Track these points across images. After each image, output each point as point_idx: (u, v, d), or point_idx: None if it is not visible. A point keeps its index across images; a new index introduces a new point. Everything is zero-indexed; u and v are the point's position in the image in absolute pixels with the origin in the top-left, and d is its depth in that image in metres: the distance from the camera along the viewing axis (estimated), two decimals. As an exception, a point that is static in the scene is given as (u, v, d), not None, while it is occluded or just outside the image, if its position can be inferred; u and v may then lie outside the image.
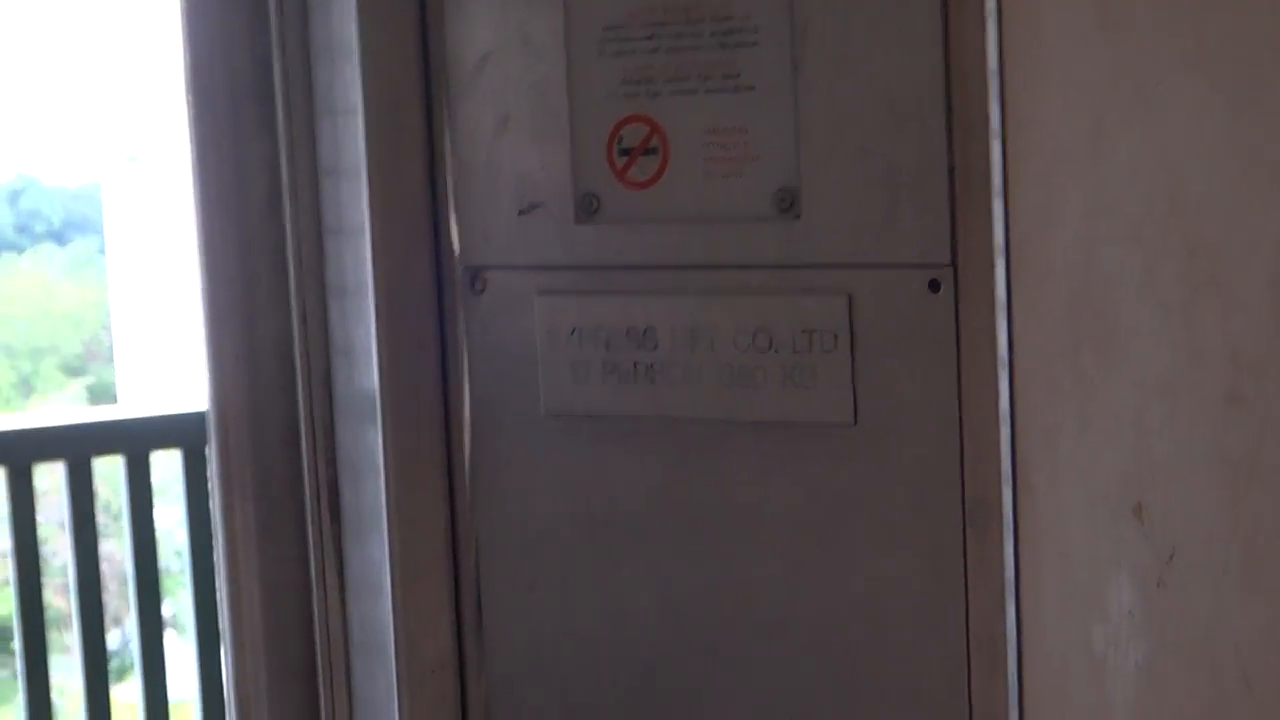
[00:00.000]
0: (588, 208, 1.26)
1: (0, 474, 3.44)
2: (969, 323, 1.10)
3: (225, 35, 1.33)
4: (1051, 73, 1.03)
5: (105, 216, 16.52)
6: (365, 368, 1.30)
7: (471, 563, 1.31)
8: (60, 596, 3.74)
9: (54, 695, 3.60)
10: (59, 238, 17.28)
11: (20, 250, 17.09)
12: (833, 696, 1.19)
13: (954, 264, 1.11)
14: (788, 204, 1.18)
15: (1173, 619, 0.90)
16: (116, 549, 3.75)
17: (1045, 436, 1.03)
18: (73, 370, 15.54)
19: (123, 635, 4.11)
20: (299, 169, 1.34)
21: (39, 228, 17.39)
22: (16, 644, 3.47)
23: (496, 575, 1.31)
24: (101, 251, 16.58)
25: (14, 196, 17.49)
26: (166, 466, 3.78)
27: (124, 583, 3.72)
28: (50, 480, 3.64)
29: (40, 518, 3.57)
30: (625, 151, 1.24)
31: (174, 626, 4.02)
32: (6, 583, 3.60)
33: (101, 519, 3.65)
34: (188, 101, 1.31)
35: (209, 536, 2.79)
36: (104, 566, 3.74)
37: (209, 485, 1.31)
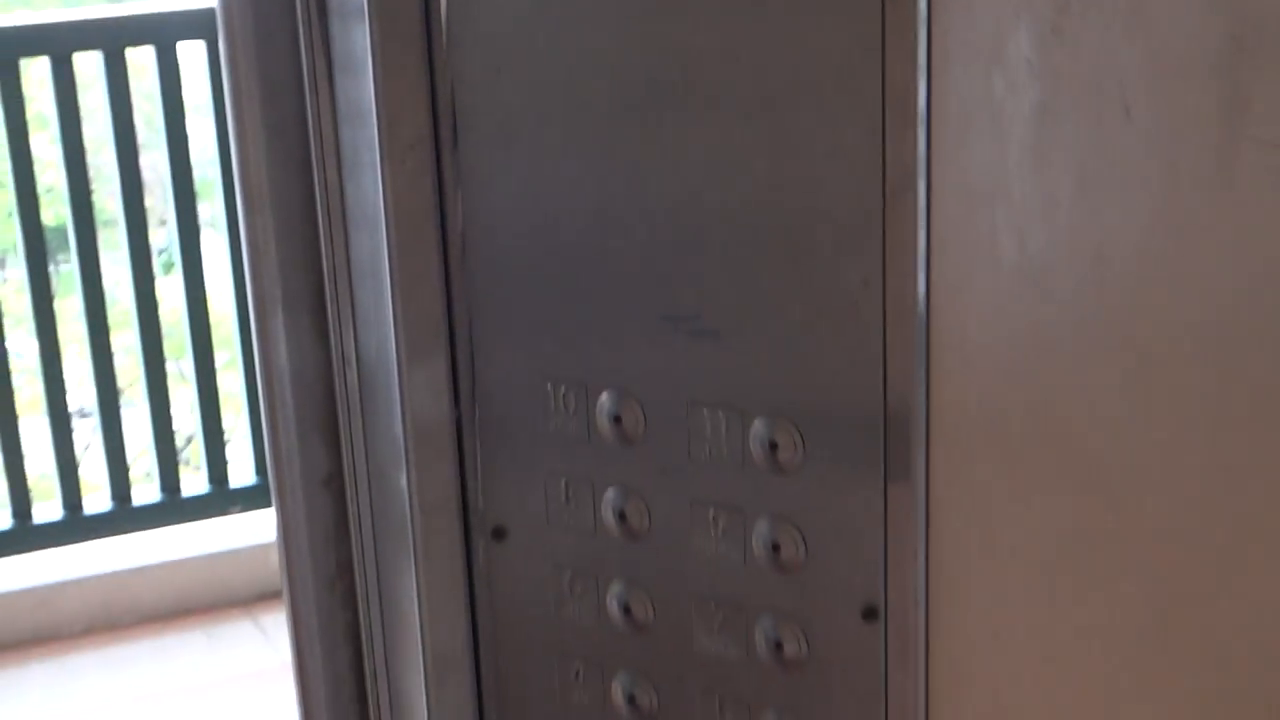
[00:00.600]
0: None
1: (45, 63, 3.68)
2: None
3: None
4: None
5: None
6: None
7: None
8: (110, 201, 4.04)
9: (108, 287, 3.93)
10: None
11: None
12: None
13: None
14: None
15: (1066, 63, 0.87)
16: (158, 161, 4.02)
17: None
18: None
19: (167, 235, 4.41)
20: None
21: None
22: (71, 244, 3.78)
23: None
24: None
25: None
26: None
27: (165, 187, 4.01)
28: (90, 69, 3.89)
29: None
30: None
31: (211, 226, 4.32)
32: (56, 189, 3.89)
33: (143, 134, 3.92)
34: None
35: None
36: (148, 175, 4.05)
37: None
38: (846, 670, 1.09)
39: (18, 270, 3.94)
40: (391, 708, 1.31)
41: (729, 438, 1.08)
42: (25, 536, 3.85)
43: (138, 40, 3.80)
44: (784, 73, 1.01)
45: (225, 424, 4.05)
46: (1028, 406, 0.94)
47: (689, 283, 1.08)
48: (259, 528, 3.91)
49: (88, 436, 4.32)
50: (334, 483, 1.28)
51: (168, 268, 4.23)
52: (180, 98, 3.84)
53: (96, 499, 3.89)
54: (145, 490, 3.94)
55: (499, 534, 1.20)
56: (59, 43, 3.74)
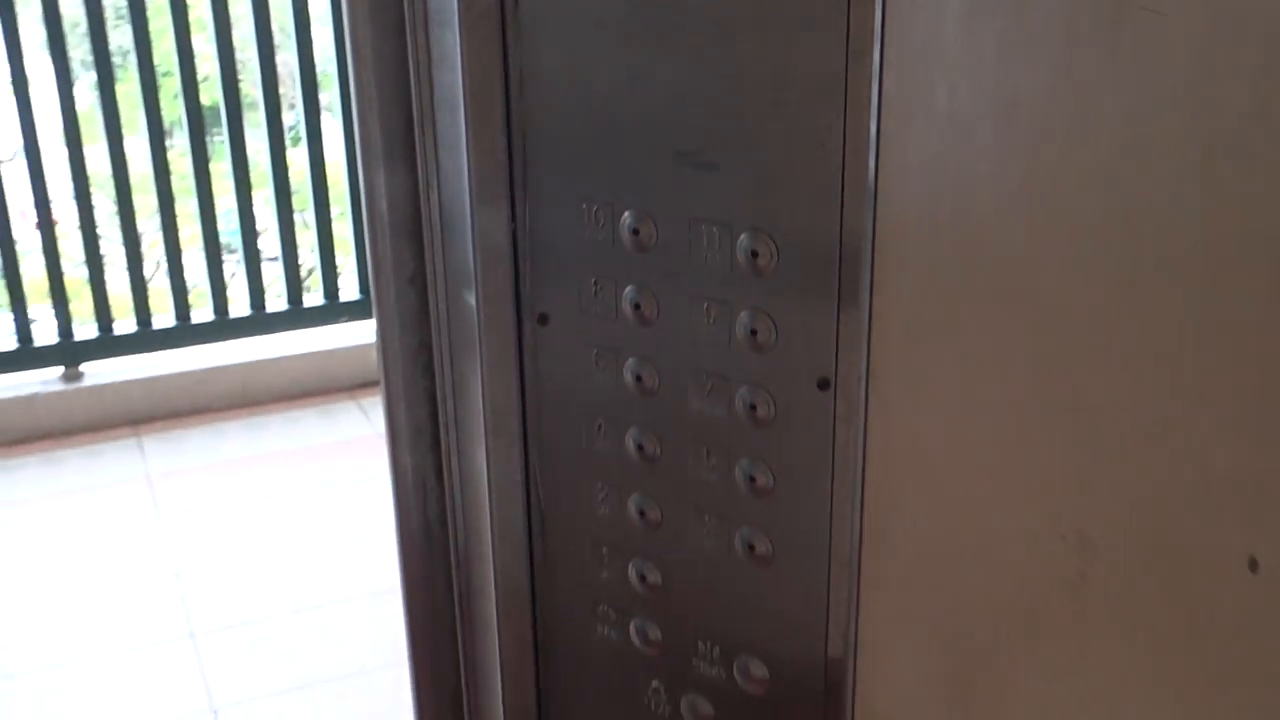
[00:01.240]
0: None
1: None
2: None
3: None
4: None
5: None
6: None
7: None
8: (253, 88, 4.02)
9: (250, 155, 3.95)
10: None
11: None
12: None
13: None
14: None
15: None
16: (290, 58, 4.00)
17: None
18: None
19: (295, 115, 4.41)
20: None
21: None
22: (223, 120, 3.79)
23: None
24: None
25: None
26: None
27: (294, 79, 4.00)
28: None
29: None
30: None
31: (329, 110, 4.30)
32: (211, 77, 3.88)
33: (278, 38, 3.90)
34: None
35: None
36: (281, 69, 4.02)
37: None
38: (804, 428, 1.07)
39: (181, 139, 3.92)
40: (459, 452, 1.30)
41: (720, 247, 1.05)
42: (185, 334, 3.88)
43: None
44: (773, -39, 0.97)
45: (337, 260, 4.06)
46: (954, 226, 0.91)
47: (694, 126, 1.04)
48: (361, 333, 3.94)
49: (233, 267, 4.32)
50: (418, 280, 1.25)
51: (295, 141, 4.22)
52: (306, 8, 3.81)
53: (238, 307, 3.92)
54: (276, 303, 3.97)
55: (543, 320, 1.18)
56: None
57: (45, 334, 3.78)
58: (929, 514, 1.00)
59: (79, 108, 3.66)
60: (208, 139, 3.85)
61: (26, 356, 3.79)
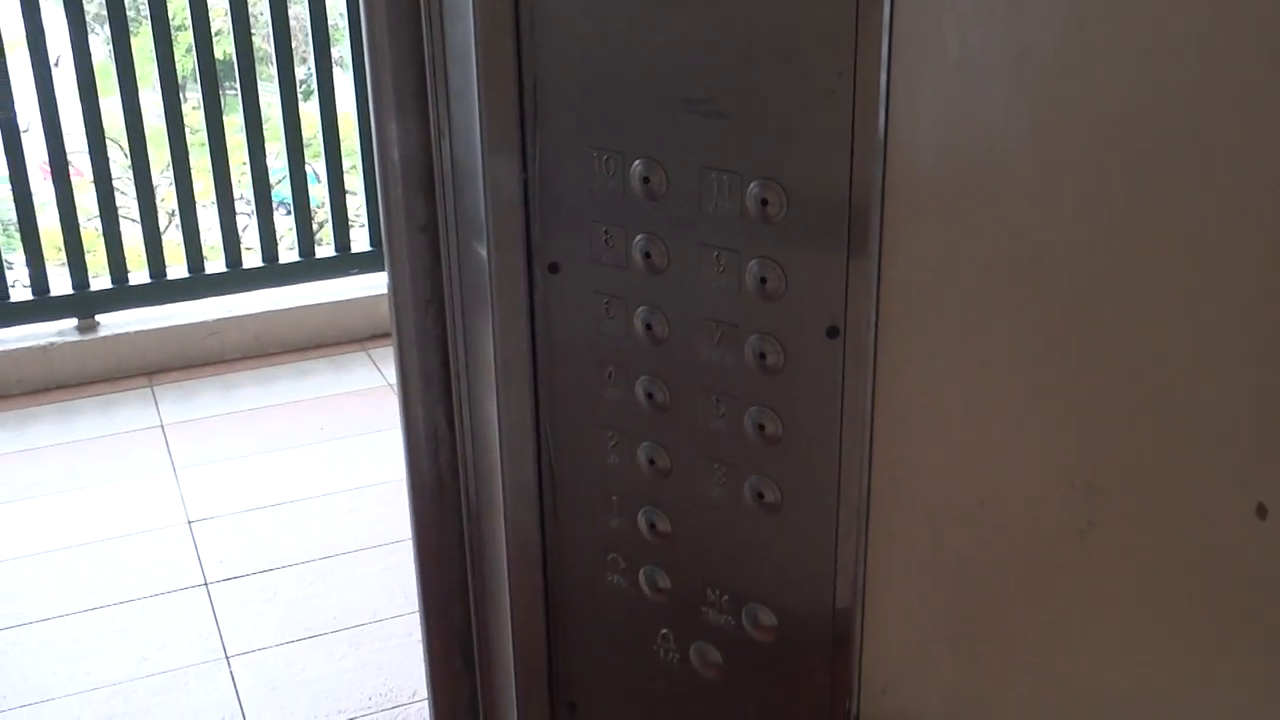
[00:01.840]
0: None
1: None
2: None
3: None
4: None
5: None
6: None
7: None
8: (265, 42, 4.00)
9: (263, 108, 3.93)
10: None
11: None
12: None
13: None
14: None
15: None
16: (301, 12, 3.97)
17: None
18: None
19: (307, 69, 4.38)
20: None
21: None
22: (236, 74, 3.75)
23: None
24: None
25: None
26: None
27: (306, 33, 3.98)
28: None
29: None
30: None
31: (340, 64, 4.27)
32: (225, 31, 3.86)
33: None
34: None
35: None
36: (293, 23, 3.99)
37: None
38: (813, 377, 1.06)
39: (195, 93, 3.90)
40: (470, 401, 1.30)
41: (730, 195, 1.04)
42: (199, 285, 3.88)
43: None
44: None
45: (349, 212, 4.05)
46: (963, 175, 0.91)
47: (705, 74, 1.03)
48: (372, 284, 3.94)
49: (245, 219, 4.31)
50: (430, 228, 1.25)
51: (307, 95, 4.20)
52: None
53: (251, 258, 3.92)
54: (288, 254, 3.96)
55: (554, 268, 1.17)
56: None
57: (60, 285, 3.79)
58: (937, 462, 0.99)
59: (94, 61, 3.64)
60: (221, 92, 3.83)
61: (42, 308, 3.79)
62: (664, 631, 1.21)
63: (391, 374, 3.62)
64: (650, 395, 1.16)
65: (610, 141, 1.09)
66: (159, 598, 3.01)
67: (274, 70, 3.80)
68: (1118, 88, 0.81)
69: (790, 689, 1.16)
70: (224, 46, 4.04)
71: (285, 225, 4.13)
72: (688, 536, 1.18)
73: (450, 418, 1.33)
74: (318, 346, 3.99)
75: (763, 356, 1.08)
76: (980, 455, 0.97)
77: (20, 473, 3.54)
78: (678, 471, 1.17)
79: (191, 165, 3.85)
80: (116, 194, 3.84)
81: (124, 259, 3.83)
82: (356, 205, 4.23)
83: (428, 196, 1.25)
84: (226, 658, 2.79)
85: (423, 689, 2.62)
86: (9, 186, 3.70)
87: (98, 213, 3.78)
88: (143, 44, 3.86)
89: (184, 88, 4.16)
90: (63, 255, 3.81)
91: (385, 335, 4.00)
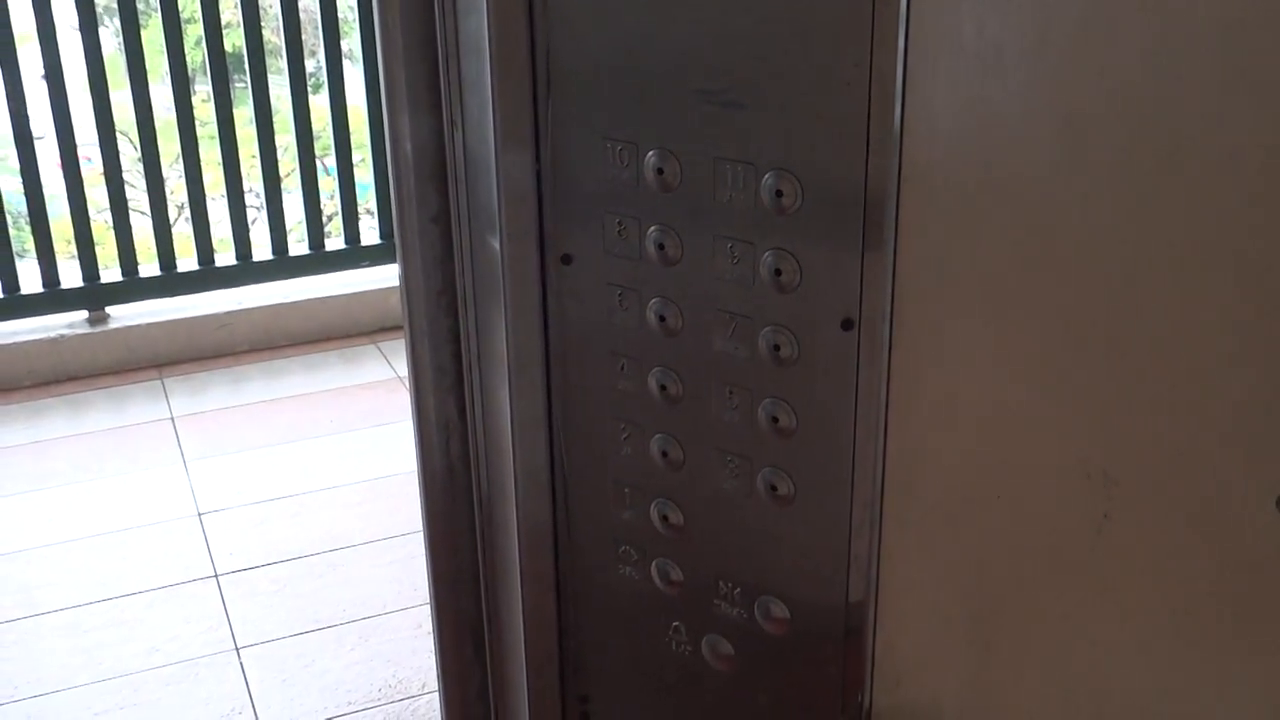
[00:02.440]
0: None
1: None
2: None
3: None
4: None
5: None
6: None
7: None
8: (275, 35, 4.00)
9: (273, 101, 3.92)
10: None
11: None
12: None
13: None
14: None
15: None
16: (311, 4, 3.96)
17: None
18: None
19: (316, 62, 4.37)
20: None
21: None
22: (246, 67, 3.75)
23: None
24: None
25: None
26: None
27: (316, 25, 3.97)
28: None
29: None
30: None
31: (350, 57, 4.26)
32: (234, 24, 3.86)
33: None
34: None
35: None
36: (303, 15, 3.99)
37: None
38: (827, 369, 1.06)
39: (205, 86, 3.90)
40: (482, 392, 1.29)
41: (745, 187, 1.04)
42: (208, 277, 3.88)
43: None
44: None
45: (359, 206, 4.05)
46: (980, 165, 0.90)
47: (720, 64, 1.02)
48: (382, 277, 3.93)
49: (255, 212, 4.30)
50: (442, 219, 1.24)
51: (317, 88, 4.19)
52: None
53: (261, 251, 3.91)
54: (298, 247, 3.96)
55: (567, 260, 1.17)
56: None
57: (71, 278, 3.79)
58: (952, 454, 0.99)
59: (104, 54, 3.64)
60: (231, 85, 3.83)
61: (53, 300, 3.80)
62: (676, 624, 1.21)
63: (402, 367, 3.61)
64: (663, 387, 1.15)
65: (624, 132, 1.08)
66: (169, 589, 3.01)
67: (284, 63, 3.80)
68: (1138, 75, 0.80)
69: (802, 681, 1.16)
70: (234, 39, 4.03)
71: (295, 218, 4.12)
72: (700, 529, 1.18)
73: (462, 409, 1.33)
74: (328, 339, 3.98)
75: (777, 349, 1.07)
76: (995, 447, 0.96)
77: (30, 465, 3.54)
78: (690, 463, 1.16)
79: (201, 158, 3.84)
80: (126, 187, 3.84)
81: (134, 251, 3.83)
82: (366, 198, 4.22)
83: (440, 188, 1.24)
84: (237, 649, 2.79)
85: (433, 681, 2.62)
86: (20, 180, 3.69)
87: (108, 205, 3.78)
88: (152, 37, 3.86)
89: (194, 80, 4.14)
90: (73, 248, 3.80)
91: (395, 328, 4.00)
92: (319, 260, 3.96)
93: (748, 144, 1.02)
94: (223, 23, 3.76)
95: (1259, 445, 0.79)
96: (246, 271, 3.90)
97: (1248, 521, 0.80)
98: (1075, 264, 0.86)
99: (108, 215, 3.81)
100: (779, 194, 1.01)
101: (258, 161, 3.88)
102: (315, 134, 3.93)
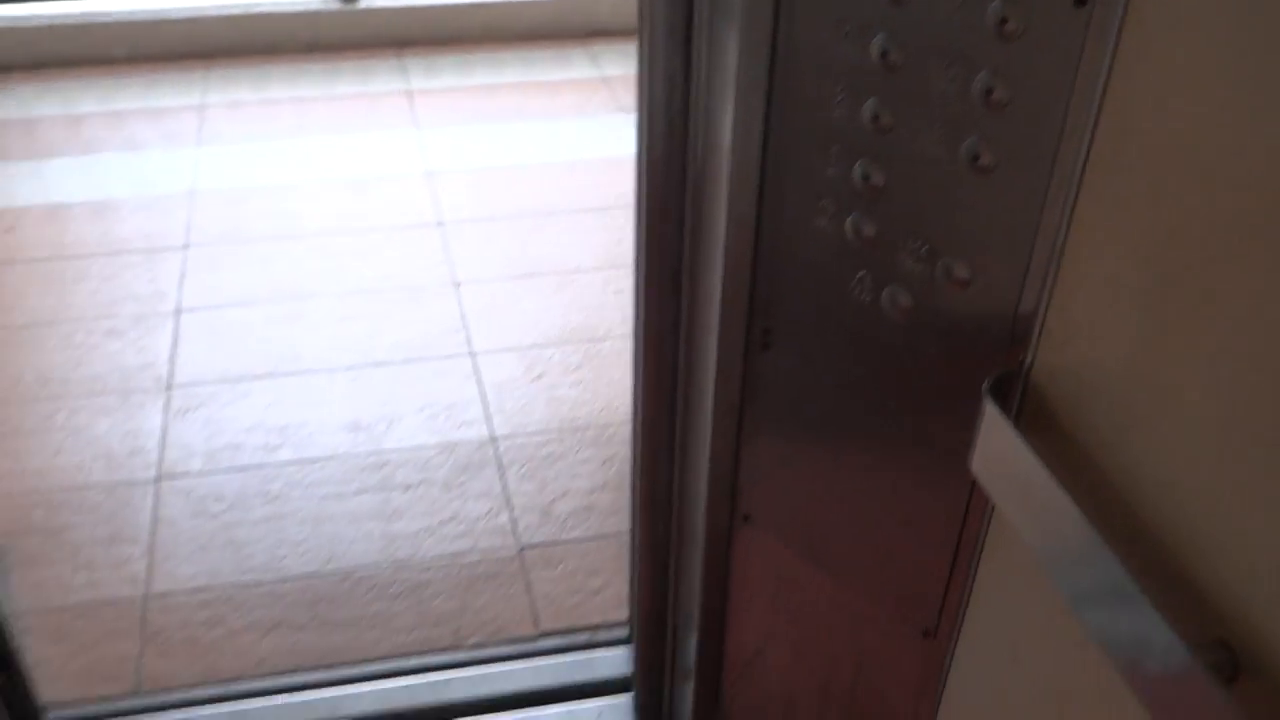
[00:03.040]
0: None
1: None
2: None
3: None
4: None
5: None
6: None
7: None
8: None
9: None
10: None
11: None
12: None
13: None
14: None
15: None
16: None
17: None
18: None
19: None
20: None
21: None
22: None
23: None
24: None
25: None
26: None
27: None
28: None
29: None
30: None
31: None
32: None
33: None
34: None
35: None
36: None
37: None
38: (1052, 45, 0.94)
39: None
40: (710, 47, 1.20)
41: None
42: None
43: None
44: None
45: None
46: None
47: None
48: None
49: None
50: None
51: None
52: None
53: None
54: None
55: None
56: None
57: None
58: (1164, 135, 0.88)
59: None
60: None
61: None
62: (861, 274, 1.15)
63: (607, 69, 3.50)
64: (884, 54, 1.05)
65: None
66: (402, 229, 3.05)
67: None
68: None
69: (971, 337, 1.10)
70: None
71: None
72: (898, 191, 1.10)
73: (688, 65, 1.25)
74: (544, 38, 3.89)
75: (1004, 21, 0.96)
76: (1210, 132, 0.85)
77: (291, 118, 3.57)
78: (899, 129, 1.07)
79: None
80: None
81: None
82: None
83: None
84: (455, 283, 2.84)
85: (616, 330, 2.63)
86: None
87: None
88: None
89: None
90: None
91: (603, 33, 3.86)
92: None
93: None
94: None
95: None
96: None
97: None
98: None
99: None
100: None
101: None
102: None
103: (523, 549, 2.10)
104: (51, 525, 2.13)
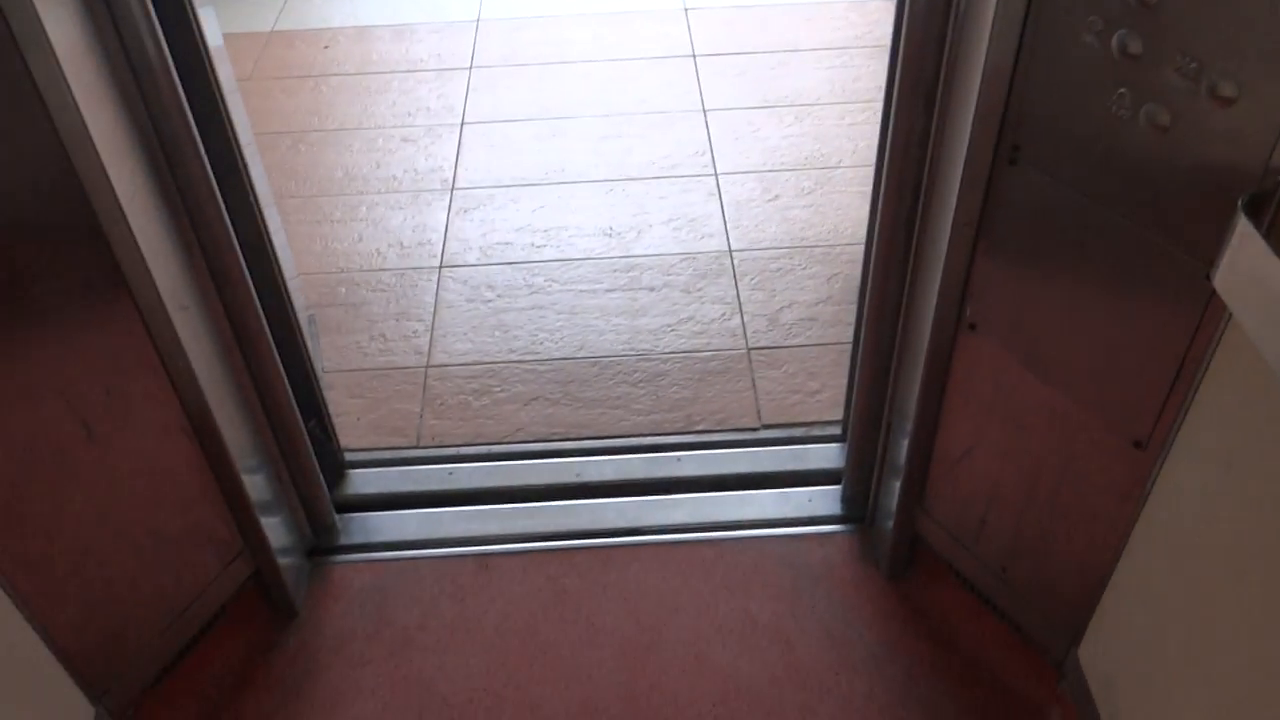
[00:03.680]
0: None
1: None
2: None
3: None
4: None
5: None
6: None
7: None
8: None
9: None
10: None
11: None
12: None
13: None
14: None
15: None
16: None
17: None
18: None
19: None
20: None
21: None
22: None
23: None
24: None
25: None
26: None
27: None
28: None
29: None
30: None
31: None
32: None
33: None
34: None
35: None
36: None
37: None
38: None
39: None
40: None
41: None
42: None
43: None
44: None
45: None
46: None
47: None
48: None
49: None
50: None
51: None
52: None
53: None
54: None
55: None
56: None
57: None
58: None
59: None
60: None
61: None
62: (1121, 91, 1.06)
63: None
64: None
65: None
66: (659, 60, 3.02)
67: None
68: None
69: (1228, 156, 1.01)
70: None
71: None
72: (1172, 7, 1.00)
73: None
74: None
75: None
76: None
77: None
78: (1180, -59, 0.97)
79: None
80: None
81: None
82: None
83: None
84: (704, 110, 2.81)
85: (848, 159, 2.55)
86: None
87: None
88: None
89: None
90: None
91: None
92: None
93: None
94: None
95: None
96: None
97: None
98: None
99: None
100: None
101: None
102: None
103: (750, 350, 2.12)
104: (353, 300, 2.28)
